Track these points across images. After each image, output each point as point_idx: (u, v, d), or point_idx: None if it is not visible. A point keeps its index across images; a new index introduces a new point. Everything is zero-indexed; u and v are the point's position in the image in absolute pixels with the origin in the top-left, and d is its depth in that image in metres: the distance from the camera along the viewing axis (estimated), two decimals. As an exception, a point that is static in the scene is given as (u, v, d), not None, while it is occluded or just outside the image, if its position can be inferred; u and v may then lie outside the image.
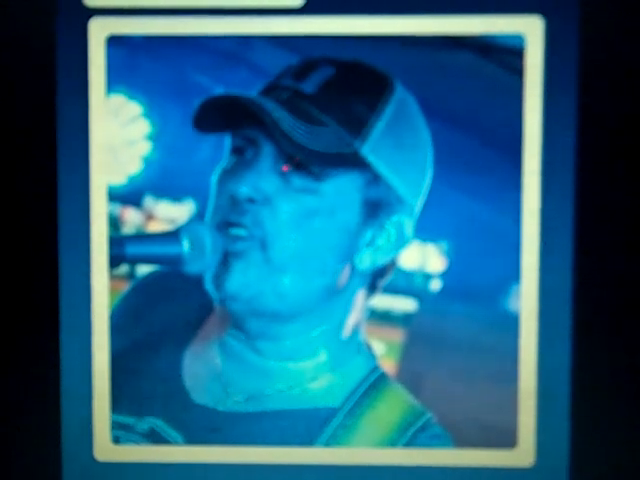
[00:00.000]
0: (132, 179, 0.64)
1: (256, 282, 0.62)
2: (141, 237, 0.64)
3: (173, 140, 0.64)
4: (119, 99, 0.63)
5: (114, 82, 0.63)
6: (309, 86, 0.62)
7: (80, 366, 0.64)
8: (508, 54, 0.62)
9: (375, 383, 0.64)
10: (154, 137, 0.64)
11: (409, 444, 0.64)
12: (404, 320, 0.64)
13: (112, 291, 0.64)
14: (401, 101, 0.62)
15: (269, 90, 0.62)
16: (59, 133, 0.63)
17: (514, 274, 0.63)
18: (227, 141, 0.63)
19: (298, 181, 0.62)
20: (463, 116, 0.62)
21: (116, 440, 0.65)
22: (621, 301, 0.64)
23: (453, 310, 0.63)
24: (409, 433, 0.63)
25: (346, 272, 0.63)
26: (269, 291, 0.62)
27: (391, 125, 0.62)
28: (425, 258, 0.64)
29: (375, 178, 0.62)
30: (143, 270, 0.65)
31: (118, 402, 0.65)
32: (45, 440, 0.66)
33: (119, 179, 0.64)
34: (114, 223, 0.64)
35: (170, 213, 0.64)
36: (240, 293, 0.62)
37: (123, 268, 0.65)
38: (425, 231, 0.63)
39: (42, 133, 0.64)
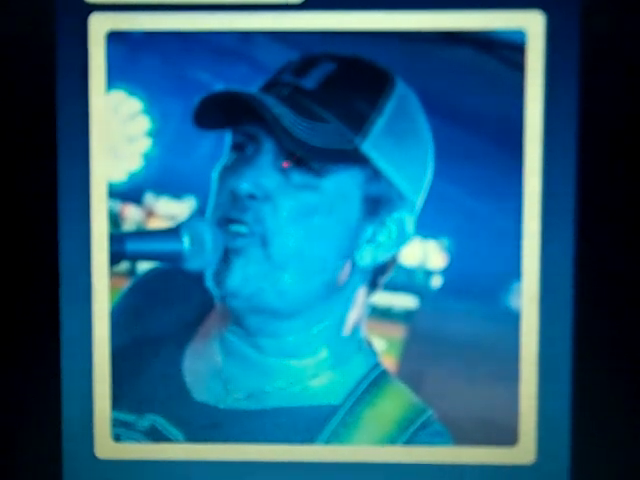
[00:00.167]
0: (132, 176, 0.64)
1: (256, 279, 0.62)
2: (141, 234, 0.64)
3: (173, 137, 0.64)
4: (119, 95, 0.63)
5: (114, 78, 0.63)
6: (310, 82, 0.62)
7: (80, 364, 0.64)
8: (509, 49, 0.62)
9: (376, 380, 0.64)
10: (154, 133, 0.64)
11: (410, 441, 0.63)
12: (405, 317, 0.64)
13: (112, 288, 0.64)
14: (402, 97, 0.62)
15: (269, 86, 0.62)
16: (59, 130, 0.63)
17: (515, 271, 0.63)
18: (227, 137, 0.63)
19: (298, 177, 0.62)
20: (464, 112, 0.62)
21: (117, 438, 0.65)
22: (622, 298, 0.64)
23: (454, 307, 0.63)
24: (410, 430, 0.63)
25: (347, 269, 0.63)
26: (270, 288, 0.62)
27: (392, 121, 0.62)
28: (426, 255, 0.63)
29: (376, 174, 0.62)
30: (143, 267, 0.65)
31: (118, 399, 0.65)
32: (46, 438, 0.66)
33: (119, 176, 0.64)
34: (114, 220, 0.64)
35: (170, 210, 0.64)
36: (240, 290, 0.62)
37: (123, 265, 0.65)
38: (426, 227, 0.63)
39: (42, 129, 0.64)
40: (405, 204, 0.63)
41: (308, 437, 0.64)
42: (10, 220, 0.66)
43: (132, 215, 0.64)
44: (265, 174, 0.62)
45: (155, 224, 0.64)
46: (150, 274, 0.65)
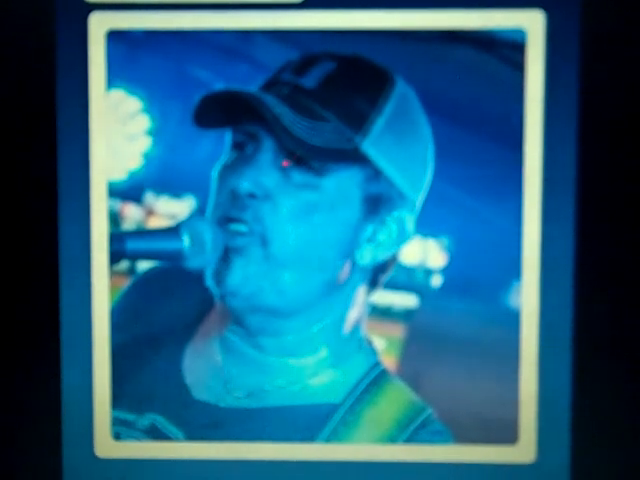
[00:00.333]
0: (132, 175, 0.64)
1: (256, 278, 0.62)
2: (141, 233, 0.64)
3: (173, 135, 0.63)
4: (119, 94, 0.63)
5: (114, 77, 0.63)
6: (309, 81, 0.62)
7: (80, 362, 0.64)
8: (509, 48, 0.62)
9: (376, 379, 0.64)
10: (154, 132, 0.64)
11: (410, 440, 0.63)
12: (405, 316, 0.64)
13: (112, 287, 0.64)
14: (402, 96, 0.62)
15: (269, 85, 0.62)
16: (59, 128, 0.63)
17: (515, 270, 0.63)
18: (227, 136, 0.63)
19: (298, 176, 0.62)
20: (464, 111, 0.62)
21: (117, 436, 0.65)
22: (622, 297, 0.64)
23: (454, 306, 0.63)
24: (410, 429, 0.63)
25: (347, 268, 0.63)
26: (269, 287, 0.62)
27: (392, 120, 0.62)
28: (426, 253, 0.63)
29: (376, 173, 0.62)
30: (143, 266, 0.65)
31: (119, 398, 0.65)
32: (46, 437, 0.66)
33: (119, 175, 0.64)
34: (114, 219, 0.64)
35: (170, 209, 0.64)
36: (240, 289, 0.62)
37: (123, 264, 0.64)
38: (426, 226, 0.63)
39: (42, 129, 0.64)
40: (405, 203, 0.63)
41: (308, 436, 0.64)
42: (10, 219, 0.65)
43: (132, 214, 0.64)
44: (265, 173, 0.62)
45: (155, 223, 0.64)
46: (150, 273, 0.65)
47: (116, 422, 0.65)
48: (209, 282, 0.63)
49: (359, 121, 0.61)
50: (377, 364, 0.64)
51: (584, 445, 0.64)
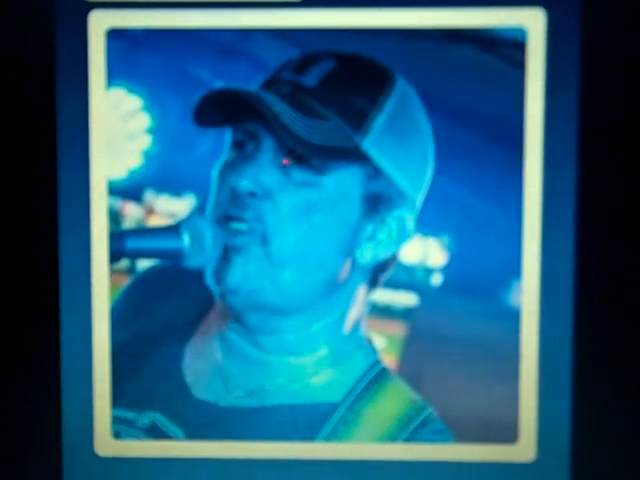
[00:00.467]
0: (132, 173, 0.64)
1: (256, 276, 0.62)
2: (141, 231, 0.64)
3: (173, 134, 0.63)
4: (119, 93, 0.63)
5: (114, 76, 0.63)
6: (310, 79, 0.62)
7: (81, 361, 0.64)
8: (510, 47, 0.62)
9: (376, 378, 0.64)
10: (154, 131, 0.64)
11: (410, 439, 0.63)
12: (405, 314, 0.64)
13: (112, 286, 0.64)
14: (402, 95, 0.62)
15: (270, 84, 0.62)
16: (59, 127, 0.63)
17: (515, 268, 0.63)
18: (227, 135, 0.63)
19: (299, 175, 0.61)
20: (464, 110, 0.62)
21: (117, 435, 0.65)
22: (623, 295, 0.64)
23: (454, 305, 0.63)
24: (410, 428, 0.63)
25: (347, 266, 0.63)
26: (269, 285, 0.62)
27: (392, 119, 0.62)
28: (426, 252, 0.63)
29: (376, 172, 0.62)
30: (143, 265, 0.65)
31: (119, 397, 0.64)
32: (46, 435, 0.66)
33: (119, 173, 0.64)
34: (114, 217, 0.64)
35: (170, 207, 0.64)
36: (240, 287, 0.62)
37: (123, 263, 0.64)
38: (426, 225, 0.63)
39: (42, 127, 0.64)
40: (405, 202, 0.63)
41: (308, 435, 0.64)
42: (10, 218, 0.65)
43: (132, 213, 0.64)
44: (265, 172, 0.62)
45: (155, 222, 0.64)
46: (150, 272, 0.65)
47: (116, 421, 0.65)
48: (209, 280, 0.63)
49: (359, 120, 0.61)
50: (377, 363, 0.64)
51: (584, 444, 0.64)
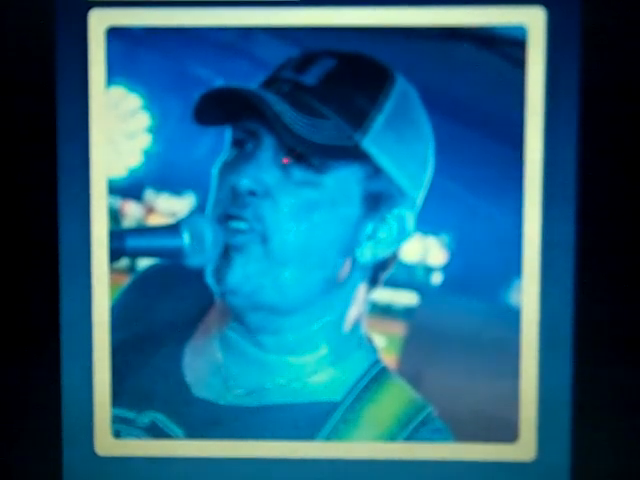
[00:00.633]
0: (132, 172, 0.64)
1: (257, 275, 0.62)
2: (141, 230, 0.64)
3: (173, 133, 0.63)
4: (119, 91, 0.63)
5: (114, 74, 0.63)
6: (310, 78, 0.62)
7: (81, 360, 0.64)
8: (510, 45, 0.61)
9: (376, 377, 0.64)
10: (154, 130, 0.64)
11: (410, 438, 0.63)
12: (405, 314, 0.64)
13: (112, 285, 0.64)
14: (402, 93, 0.62)
15: (270, 82, 0.62)
16: (59, 126, 0.63)
17: (516, 267, 0.63)
18: (227, 134, 0.63)
19: (299, 174, 0.61)
20: (465, 108, 0.62)
21: (117, 434, 0.65)
22: (623, 295, 0.64)
23: (454, 303, 0.63)
24: (410, 427, 0.63)
25: (347, 265, 0.63)
26: (269, 285, 0.62)
27: (392, 118, 0.62)
28: (426, 251, 0.63)
29: (376, 171, 0.62)
30: (144, 263, 0.65)
31: (119, 396, 0.64)
32: (46, 434, 0.66)
33: (119, 172, 0.64)
34: (114, 216, 0.64)
35: (171, 206, 0.64)
36: (241, 286, 0.62)
37: (123, 262, 0.64)
38: (426, 224, 0.63)
39: (42, 126, 0.64)
40: (405, 200, 0.63)
41: (308, 434, 0.64)
42: (10, 216, 0.65)
43: (132, 211, 0.64)
44: (265, 170, 0.62)
45: (155, 220, 0.64)
46: (150, 271, 0.65)
47: (116, 420, 0.65)
48: (209, 280, 0.63)
49: (359, 118, 0.61)
50: (377, 362, 0.64)
51: (584, 443, 0.64)
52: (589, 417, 0.64)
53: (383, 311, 0.64)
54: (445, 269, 0.63)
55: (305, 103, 0.61)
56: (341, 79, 0.62)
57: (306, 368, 0.64)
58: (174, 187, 0.64)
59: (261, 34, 0.62)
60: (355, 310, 0.64)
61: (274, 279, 0.62)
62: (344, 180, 0.62)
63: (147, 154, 0.64)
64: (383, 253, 0.63)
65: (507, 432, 0.64)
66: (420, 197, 0.63)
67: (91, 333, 0.64)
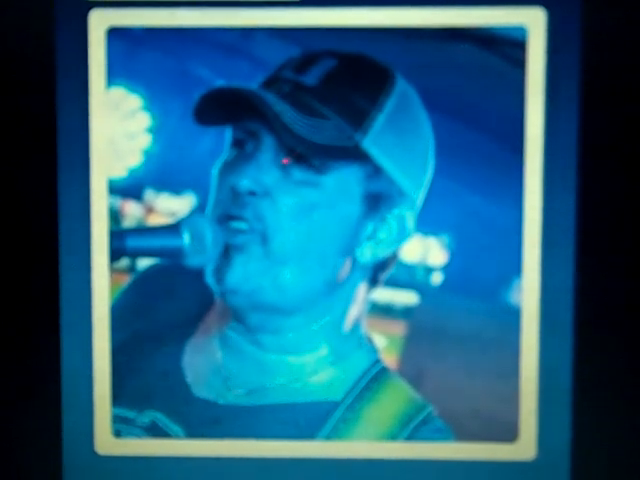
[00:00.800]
0: (132, 172, 0.64)
1: (257, 275, 0.62)
2: (142, 230, 0.63)
3: (174, 133, 0.63)
4: (119, 92, 0.63)
5: (114, 75, 0.63)
6: (310, 79, 0.62)
7: (81, 360, 0.64)
8: (510, 46, 0.61)
9: (376, 377, 0.64)
10: (154, 130, 0.63)
11: (410, 438, 0.64)
12: (405, 313, 0.64)
13: (113, 285, 0.64)
14: (402, 94, 0.62)
15: (270, 82, 0.62)
16: (59, 127, 0.63)
17: (516, 267, 0.63)
18: (228, 134, 0.63)
19: (299, 174, 0.61)
20: (465, 109, 0.62)
21: (117, 434, 0.65)
22: (623, 295, 0.64)
23: (454, 303, 0.63)
24: (410, 427, 0.63)
25: (347, 265, 0.63)
26: (270, 284, 0.62)
27: (392, 118, 0.62)
28: (426, 251, 0.63)
29: (376, 171, 0.62)
30: (144, 263, 0.65)
31: (119, 396, 0.64)
32: (46, 434, 0.66)
33: (119, 172, 0.64)
34: (114, 216, 0.64)
35: (171, 206, 0.64)
36: (241, 286, 0.62)
37: (124, 261, 0.64)
38: (427, 224, 0.63)
39: (42, 126, 0.64)
40: (406, 201, 0.63)
41: (308, 433, 0.64)
42: (10, 216, 0.65)
43: (132, 211, 0.64)
44: (265, 171, 0.62)
45: (155, 220, 0.64)
46: (150, 270, 0.65)
47: (116, 419, 0.65)
48: (209, 279, 0.63)
49: (360, 119, 0.61)
50: (377, 362, 0.64)
51: (584, 443, 0.64)
52: (589, 417, 0.65)
53: (383, 311, 0.64)
54: (445, 269, 0.63)
55: (305, 103, 0.61)
56: (341, 79, 0.62)
57: (306, 368, 0.64)
58: (174, 187, 0.64)
59: (261, 34, 0.62)
60: (355, 310, 0.64)
61: (274, 279, 0.62)
62: (344, 180, 0.62)
63: (147, 154, 0.64)
64: (383, 253, 0.63)
65: (507, 432, 0.64)
66: (420, 197, 0.63)
67: (91, 333, 0.64)
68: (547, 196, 0.62)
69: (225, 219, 0.62)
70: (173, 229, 0.62)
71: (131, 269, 0.65)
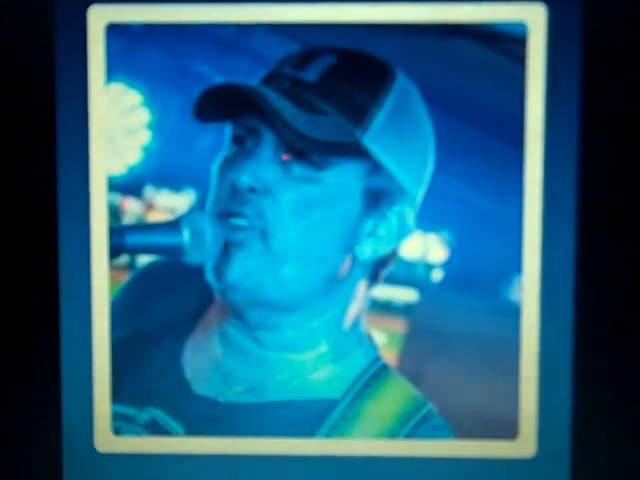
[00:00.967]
0: (132, 169, 0.64)
1: (257, 272, 0.62)
2: (141, 227, 0.63)
3: (173, 129, 0.63)
4: (119, 88, 0.63)
5: (113, 71, 0.63)
6: (310, 75, 0.62)
7: (80, 357, 0.64)
8: (511, 42, 0.61)
9: (376, 374, 0.64)
10: (154, 126, 0.63)
11: (410, 435, 0.63)
12: (405, 310, 0.64)
13: (112, 281, 0.64)
14: (403, 90, 0.62)
15: (270, 79, 0.62)
16: (58, 122, 0.63)
17: (516, 264, 0.63)
18: (227, 130, 0.63)
19: (299, 170, 0.61)
20: (465, 105, 0.62)
21: (117, 431, 0.65)
22: (623, 290, 0.64)
23: (454, 300, 0.63)
24: (410, 424, 0.63)
25: (347, 262, 0.63)
26: (269, 281, 0.62)
27: (392, 114, 0.62)
28: (426, 248, 0.63)
29: (376, 167, 0.62)
30: (143, 260, 0.65)
31: (118, 393, 0.64)
32: (46, 431, 0.66)
33: (119, 169, 0.64)
34: (114, 213, 0.64)
35: (170, 203, 0.64)
36: (240, 283, 0.62)
37: (123, 258, 0.64)
38: (426, 221, 0.63)
39: (42, 122, 0.64)
40: (406, 197, 0.63)
41: (308, 431, 0.64)
42: (10, 213, 0.65)
43: (132, 208, 0.64)
44: (265, 167, 0.62)
45: (155, 217, 0.64)
46: (150, 267, 0.65)
47: (116, 417, 0.65)
48: (209, 276, 0.63)
49: (360, 115, 0.61)
50: (377, 359, 0.64)
51: (584, 440, 0.64)
52: (589, 414, 0.64)
53: (383, 308, 0.64)
54: (445, 266, 0.63)
55: (305, 99, 0.61)
56: (341, 75, 0.62)
57: (306, 365, 0.64)
58: (174, 184, 0.64)
59: (261, 30, 0.62)
60: (355, 307, 0.64)
61: (274, 276, 0.62)
62: (344, 177, 0.62)
63: (147, 151, 0.64)
64: (383, 250, 0.63)
65: (507, 429, 0.64)
66: (420, 194, 0.63)
67: (91, 330, 0.64)
68: (547, 193, 0.62)
69: (225, 215, 0.62)
70: (173, 226, 0.62)
71: (131, 266, 0.65)
